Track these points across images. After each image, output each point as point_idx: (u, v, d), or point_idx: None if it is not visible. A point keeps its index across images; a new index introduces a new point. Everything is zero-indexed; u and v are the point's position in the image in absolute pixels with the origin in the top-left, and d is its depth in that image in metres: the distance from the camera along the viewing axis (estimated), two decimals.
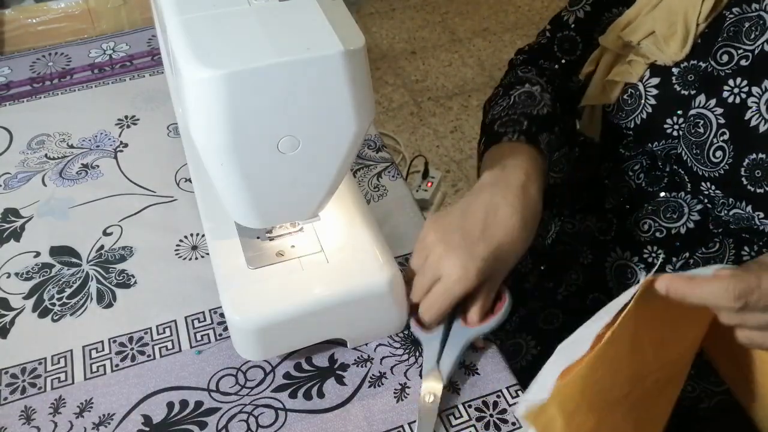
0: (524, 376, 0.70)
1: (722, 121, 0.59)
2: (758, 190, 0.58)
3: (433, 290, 0.59)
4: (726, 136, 0.59)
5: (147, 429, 0.59)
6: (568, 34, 0.76)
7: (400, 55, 2.37)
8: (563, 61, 0.76)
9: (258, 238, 0.62)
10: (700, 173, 0.62)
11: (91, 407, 0.61)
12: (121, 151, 0.85)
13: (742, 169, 0.58)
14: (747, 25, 0.59)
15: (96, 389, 0.62)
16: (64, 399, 0.61)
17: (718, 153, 0.60)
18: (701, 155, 0.61)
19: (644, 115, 0.67)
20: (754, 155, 0.57)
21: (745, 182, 0.59)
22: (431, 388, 0.59)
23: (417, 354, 0.64)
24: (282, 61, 0.44)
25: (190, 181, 0.80)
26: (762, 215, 0.59)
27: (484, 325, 0.63)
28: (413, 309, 0.65)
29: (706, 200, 0.65)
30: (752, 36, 0.58)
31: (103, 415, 0.60)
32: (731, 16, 0.60)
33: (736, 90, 0.59)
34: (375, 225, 0.64)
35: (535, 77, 0.75)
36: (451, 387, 0.61)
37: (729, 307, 0.47)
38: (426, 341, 0.63)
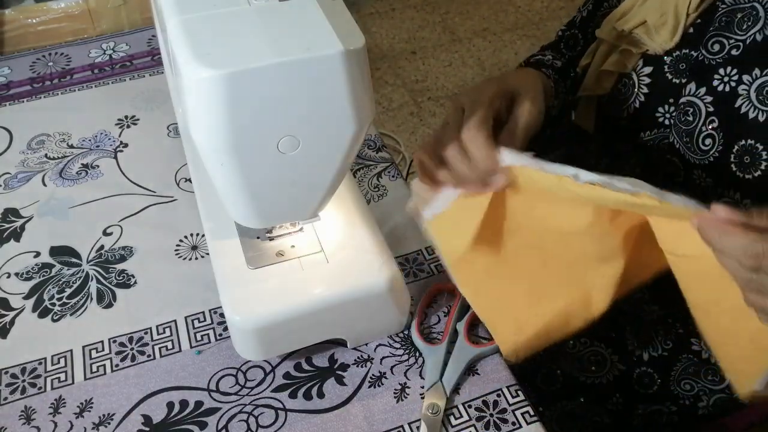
0: (524, 376, 0.70)
1: (711, 109, 0.60)
2: (746, 176, 0.59)
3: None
4: (715, 124, 0.60)
5: (147, 429, 0.59)
6: (573, 32, 0.78)
7: (400, 55, 2.37)
8: (567, 56, 0.78)
9: (258, 238, 0.62)
10: (692, 161, 0.63)
11: (91, 407, 0.61)
12: (121, 151, 0.85)
13: (732, 156, 0.59)
14: (739, 15, 0.59)
15: (96, 389, 0.62)
16: (64, 399, 0.61)
17: (708, 140, 0.61)
18: (691, 143, 0.62)
19: (637, 104, 0.67)
20: (744, 141, 0.58)
21: (734, 168, 0.60)
22: (434, 401, 0.60)
23: (417, 354, 0.64)
24: (282, 61, 0.44)
25: (190, 181, 0.80)
26: (749, 203, 0.60)
27: (488, 347, 0.63)
28: (418, 317, 0.66)
29: (698, 190, 0.65)
30: (744, 26, 0.59)
31: (103, 415, 0.60)
32: (723, 6, 0.61)
33: (726, 78, 0.59)
34: (375, 225, 0.64)
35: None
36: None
37: (741, 263, 0.43)
38: (428, 353, 0.63)
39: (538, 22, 2.51)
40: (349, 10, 0.50)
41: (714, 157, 0.61)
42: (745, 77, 0.58)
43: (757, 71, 0.57)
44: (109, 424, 0.59)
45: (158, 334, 0.66)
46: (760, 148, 0.57)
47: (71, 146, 0.86)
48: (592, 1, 0.76)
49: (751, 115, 0.58)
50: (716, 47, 0.61)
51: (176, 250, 0.73)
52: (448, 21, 2.53)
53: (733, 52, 0.59)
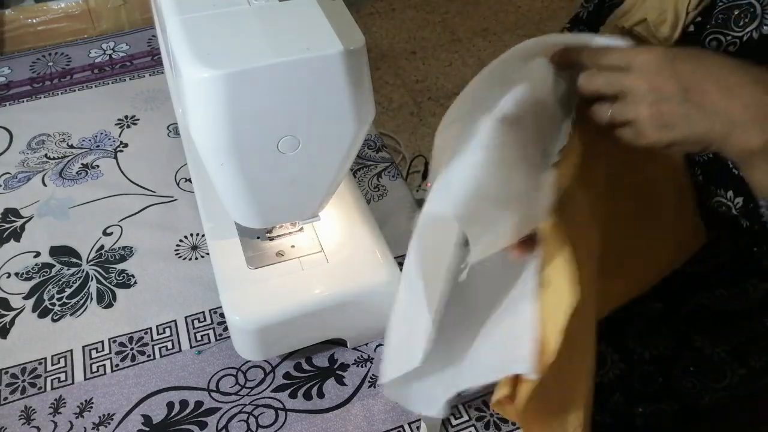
0: None
1: None
2: (741, 174, 0.59)
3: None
4: None
5: (147, 429, 0.59)
6: (582, 29, 0.78)
7: (400, 55, 2.37)
8: None
9: (258, 238, 0.62)
10: (692, 157, 0.63)
11: (91, 407, 0.61)
12: (121, 151, 0.85)
13: None
14: (737, 12, 0.59)
15: (96, 389, 0.62)
16: (64, 399, 0.61)
17: None
18: None
19: None
20: None
21: (730, 165, 0.60)
22: None
23: None
24: (282, 61, 0.44)
25: (190, 181, 0.80)
26: (740, 203, 0.60)
27: None
28: None
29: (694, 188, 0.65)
30: (741, 23, 0.59)
31: (103, 415, 0.60)
32: (721, 3, 0.61)
33: None
34: (375, 225, 0.64)
35: None
36: None
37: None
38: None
39: (538, 22, 2.51)
40: (349, 10, 0.50)
41: (714, 154, 0.61)
42: None
43: None
44: (109, 424, 0.59)
45: (158, 334, 0.66)
46: None
47: (71, 146, 0.86)
48: None
49: None
50: (713, 44, 0.61)
51: (176, 250, 0.73)
52: (448, 21, 2.53)
53: (730, 49, 0.59)
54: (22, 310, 0.68)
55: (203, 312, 0.68)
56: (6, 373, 0.63)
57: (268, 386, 0.62)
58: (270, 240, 0.62)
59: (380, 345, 0.65)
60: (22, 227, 0.76)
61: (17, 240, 0.75)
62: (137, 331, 0.66)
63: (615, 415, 0.74)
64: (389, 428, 0.59)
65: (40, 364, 0.64)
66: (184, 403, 0.61)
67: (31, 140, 0.86)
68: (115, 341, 0.66)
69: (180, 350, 0.65)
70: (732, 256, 0.68)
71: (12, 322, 0.67)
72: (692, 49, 0.49)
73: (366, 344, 0.65)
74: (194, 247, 0.74)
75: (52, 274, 0.71)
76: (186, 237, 0.75)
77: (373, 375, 0.63)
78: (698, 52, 0.48)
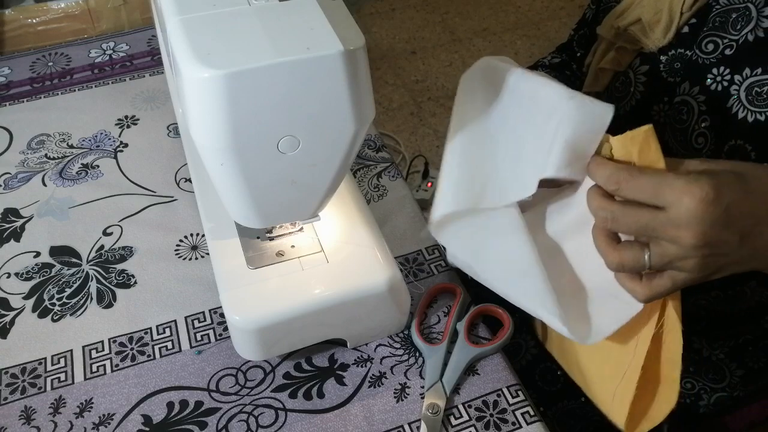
0: (524, 376, 0.70)
1: (704, 108, 0.61)
2: None
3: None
4: (707, 123, 0.60)
5: (147, 429, 0.59)
6: (583, 31, 0.78)
7: (400, 55, 2.37)
8: (578, 54, 0.78)
9: (258, 238, 0.62)
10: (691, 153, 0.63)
11: (91, 407, 0.61)
12: (121, 151, 0.85)
13: (722, 155, 0.60)
14: (734, 15, 0.60)
15: (96, 389, 0.62)
16: (64, 399, 0.61)
17: (700, 139, 0.61)
18: (685, 141, 0.62)
19: (633, 102, 0.68)
20: (733, 141, 0.58)
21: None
22: (434, 401, 0.60)
23: (417, 354, 0.64)
24: (282, 61, 0.44)
25: (190, 181, 0.80)
26: None
27: (488, 347, 0.63)
28: (418, 317, 0.65)
29: None
30: (738, 26, 0.59)
31: (103, 415, 0.60)
32: (718, 6, 0.61)
33: (718, 78, 0.60)
34: (375, 225, 0.64)
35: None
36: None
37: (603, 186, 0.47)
38: (428, 353, 0.63)
39: (538, 22, 2.51)
40: (349, 10, 0.50)
41: (707, 156, 0.61)
42: (737, 77, 0.59)
43: (747, 71, 0.58)
44: (109, 424, 0.59)
45: (158, 334, 0.66)
46: (749, 148, 0.57)
47: (71, 146, 0.86)
48: None
49: (741, 115, 0.58)
50: (710, 47, 0.61)
51: (176, 250, 0.73)
52: (448, 21, 2.53)
53: (727, 51, 0.60)
54: (22, 310, 0.68)
55: (203, 312, 0.68)
56: (6, 373, 0.63)
57: (268, 386, 0.62)
58: (270, 240, 0.62)
59: (380, 345, 0.65)
60: (22, 227, 0.76)
61: (17, 240, 0.75)
62: (137, 331, 0.66)
63: None
64: (389, 428, 0.59)
65: (40, 364, 0.64)
66: (184, 403, 0.61)
67: (31, 140, 0.87)
68: (115, 341, 0.66)
69: (180, 350, 0.65)
70: None
71: (12, 322, 0.67)
72: (731, 175, 0.44)
73: (366, 344, 0.65)
74: (194, 247, 0.74)
75: (52, 274, 0.71)
76: (186, 237, 0.75)
77: (373, 375, 0.63)
78: (741, 177, 0.44)
